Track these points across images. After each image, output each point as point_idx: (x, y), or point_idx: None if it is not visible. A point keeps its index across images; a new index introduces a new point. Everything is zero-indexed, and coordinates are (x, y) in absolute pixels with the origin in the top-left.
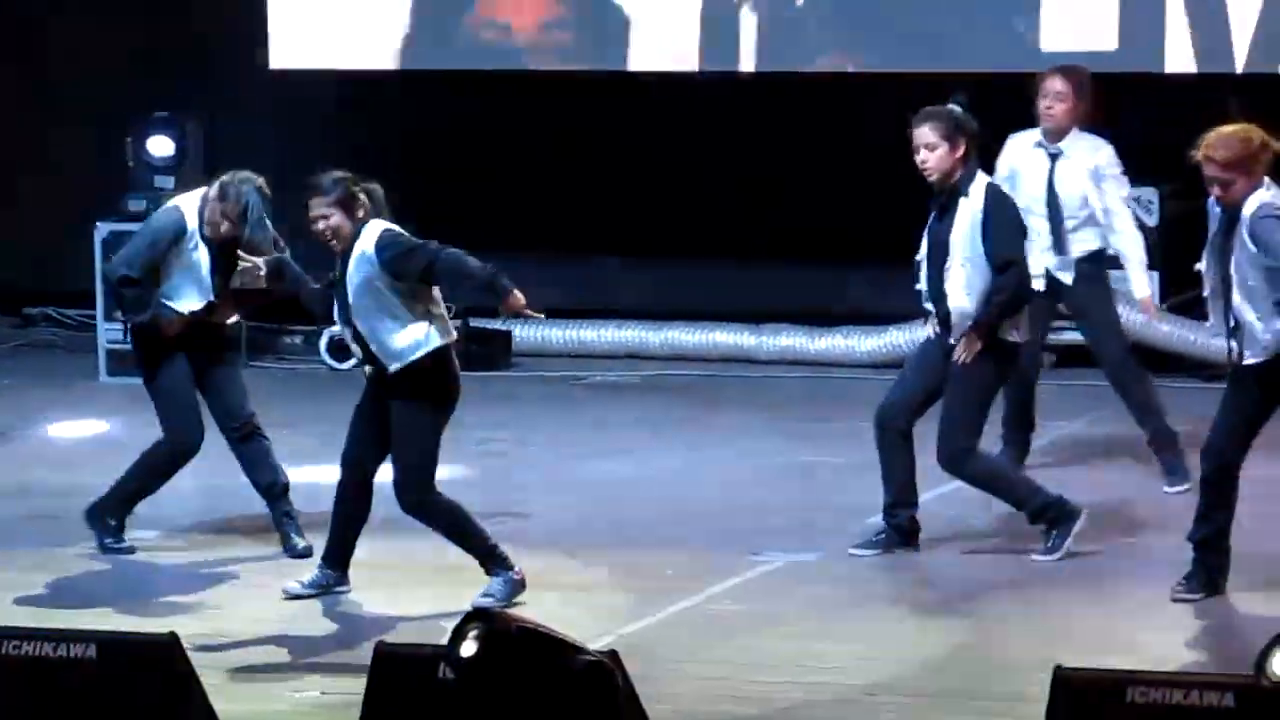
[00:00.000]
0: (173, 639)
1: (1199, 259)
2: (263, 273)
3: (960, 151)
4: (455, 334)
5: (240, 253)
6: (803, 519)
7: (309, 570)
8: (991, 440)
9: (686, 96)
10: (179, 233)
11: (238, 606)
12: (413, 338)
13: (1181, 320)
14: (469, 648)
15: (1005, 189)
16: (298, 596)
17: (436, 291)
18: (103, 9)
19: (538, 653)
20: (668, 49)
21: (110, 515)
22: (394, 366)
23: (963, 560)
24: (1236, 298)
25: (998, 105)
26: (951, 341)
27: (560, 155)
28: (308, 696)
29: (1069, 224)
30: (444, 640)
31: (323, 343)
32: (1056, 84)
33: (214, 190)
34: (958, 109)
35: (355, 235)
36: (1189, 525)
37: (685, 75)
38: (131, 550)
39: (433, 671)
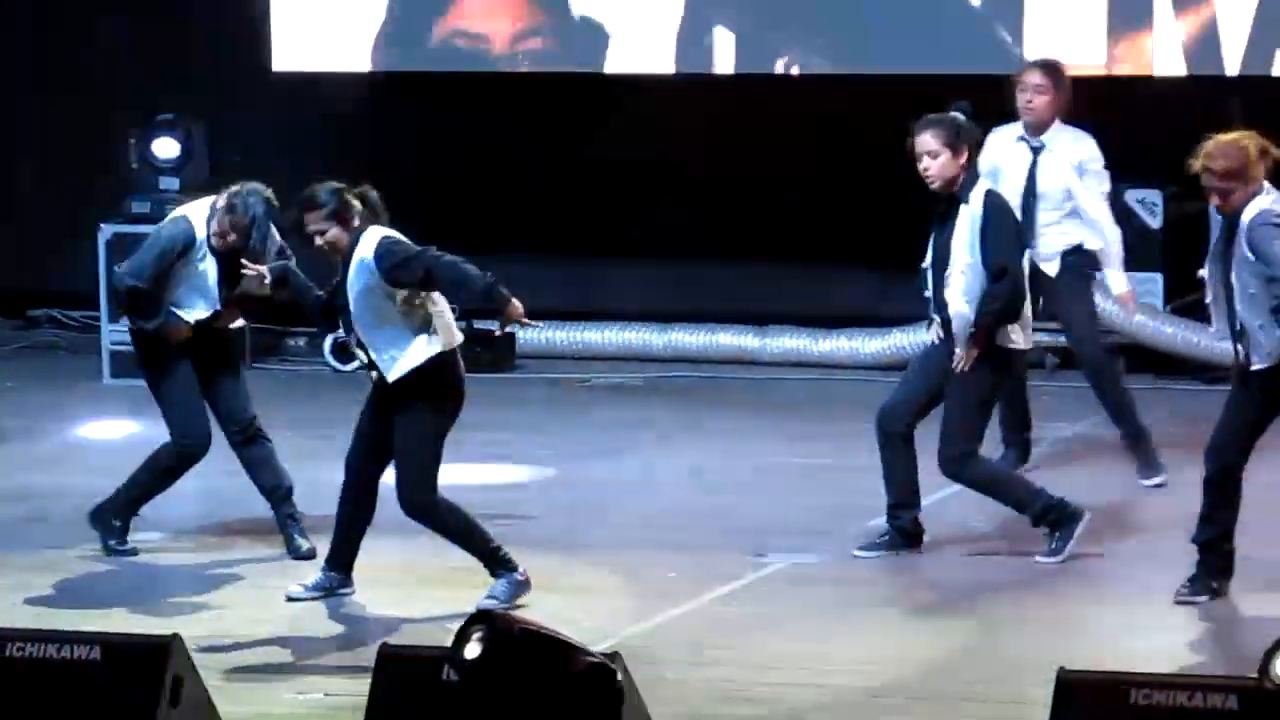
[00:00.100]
0: (176, 641)
1: (1203, 261)
2: (268, 281)
3: (963, 158)
4: (460, 335)
5: (245, 261)
6: (806, 521)
7: (312, 573)
8: (992, 444)
9: (692, 98)
10: (188, 243)
11: (241, 608)
12: (414, 345)
13: (1184, 322)
14: (472, 650)
15: (999, 191)
16: (301, 599)
17: (438, 294)
18: (105, 11)
19: (541, 655)
20: (643, 53)
21: (115, 517)
22: (396, 374)
23: (966, 562)
24: (1239, 305)
25: (984, 108)
26: (945, 348)
27: (564, 157)
28: (311, 698)
29: (1053, 216)
30: (447, 642)
31: (326, 345)
32: (1035, 77)
33: (222, 201)
34: (960, 116)
35: (353, 243)
36: (1192, 527)
37: (690, 77)
38: (135, 552)
39: (436, 673)
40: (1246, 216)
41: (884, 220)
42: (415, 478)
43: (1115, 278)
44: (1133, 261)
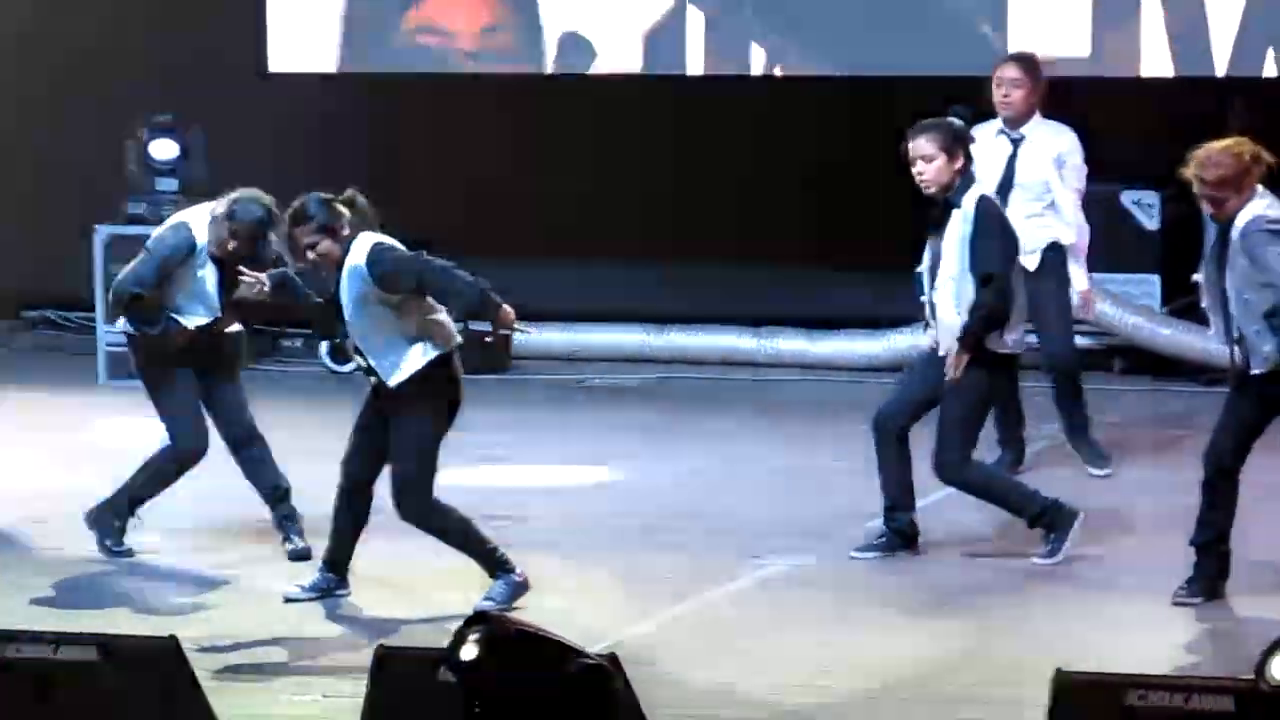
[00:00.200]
0: (173, 642)
1: (1199, 263)
2: (266, 288)
3: (958, 163)
4: (458, 337)
5: (243, 268)
6: (803, 522)
7: (309, 574)
8: (987, 445)
9: (690, 98)
10: (189, 250)
11: (238, 609)
12: (410, 351)
13: (1181, 324)
14: (470, 651)
15: (999, 204)
16: (298, 600)
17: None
18: (102, 13)
19: (538, 656)
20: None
21: (114, 518)
22: (393, 381)
23: (963, 563)
24: (1235, 310)
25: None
26: (940, 354)
27: (563, 159)
28: (308, 699)
29: (1033, 208)
30: (445, 643)
31: (322, 346)
32: (1010, 71)
33: (221, 209)
34: (957, 120)
35: (345, 252)
36: (1189, 529)
37: (694, 78)
38: (132, 553)
39: (433, 675)
40: (1240, 223)
41: (882, 222)
42: (411, 482)
43: (1077, 273)
44: (1130, 263)
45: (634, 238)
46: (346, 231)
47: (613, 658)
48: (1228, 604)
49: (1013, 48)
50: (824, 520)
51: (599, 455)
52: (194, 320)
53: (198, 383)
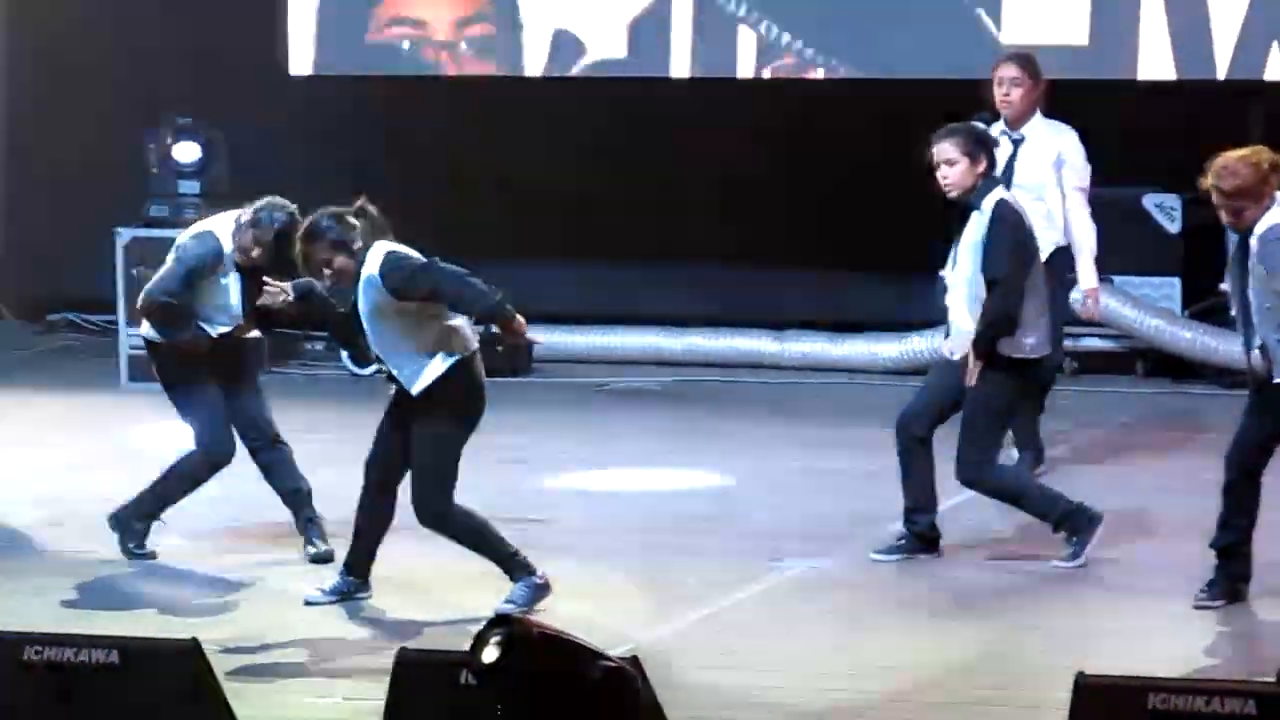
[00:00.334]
0: (194, 644)
1: (1220, 265)
2: (291, 297)
3: (980, 167)
4: (476, 340)
5: (267, 278)
6: (823, 525)
7: (330, 576)
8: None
9: (713, 102)
10: (216, 259)
11: (259, 612)
12: (430, 360)
13: (1203, 327)
14: (491, 654)
15: (1018, 207)
16: (319, 603)
17: None
18: (123, 15)
19: (559, 659)
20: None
21: (137, 521)
22: (415, 389)
23: (983, 566)
24: (1256, 318)
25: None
26: (954, 358)
27: (584, 161)
28: (329, 702)
29: (1036, 208)
30: (466, 646)
31: (344, 352)
32: (1010, 70)
33: (246, 216)
34: (980, 125)
35: (360, 263)
36: (1211, 532)
37: (710, 80)
38: (154, 556)
39: (454, 677)
40: (1258, 231)
41: (902, 225)
42: (431, 488)
43: (1085, 272)
44: (1151, 266)
45: (655, 240)
46: (359, 244)
47: (634, 660)
48: (1249, 607)
49: (997, 48)
50: (844, 523)
51: (619, 458)
52: (217, 329)
53: (218, 387)
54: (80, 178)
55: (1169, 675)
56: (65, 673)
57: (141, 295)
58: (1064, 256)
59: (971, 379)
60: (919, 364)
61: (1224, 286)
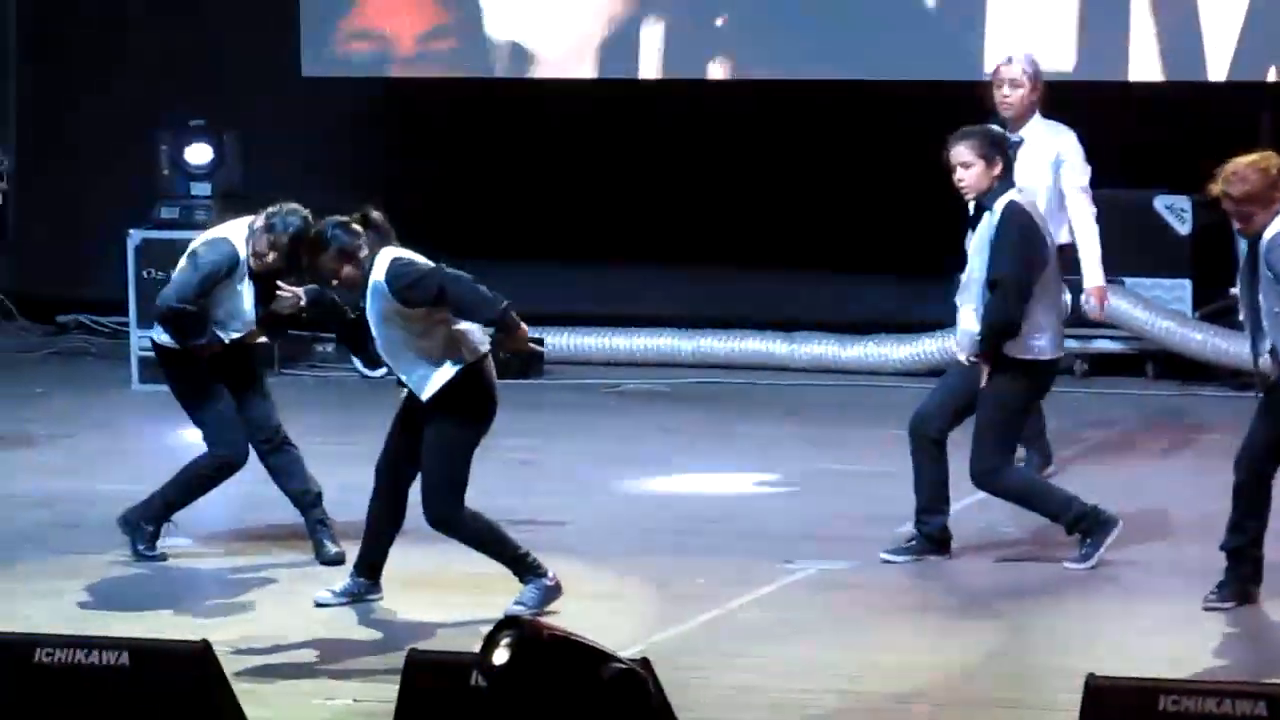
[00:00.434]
0: (205, 646)
1: (1231, 267)
2: (303, 303)
3: (996, 170)
4: (487, 343)
5: (280, 283)
6: (834, 527)
7: (341, 578)
8: None
9: (719, 102)
10: (232, 266)
11: (270, 613)
12: (440, 365)
13: (1213, 328)
14: (501, 655)
15: (1029, 209)
16: (329, 605)
17: None
18: (135, 16)
19: (570, 661)
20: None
21: (148, 523)
22: (426, 394)
23: (994, 568)
24: (1266, 323)
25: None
26: (959, 358)
27: (596, 162)
28: (340, 704)
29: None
30: (476, 648)
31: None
32: (1009, 71)
33: (260, 222)
34: (996, 128)
35: (367, 271)
36: (1222, 534)
37: (722, 82)
38: (164, 558)
39: (465, 679)
40: (1268, 236)
41: (914, 227)
42: (442, 491)
43: (1090, 270)
44: (1162, 267)
45: (666, 242)
46: (365, 252)
47: (645, 662)
48: (1260, 609)
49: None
50: (855, 525)
51: (630, 460)
52: (230, 334)
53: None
54: (92, 179)
55: (1180, 677)
56: (76, 675)
57: (157, 302)
58: (1061, 256)
59: (984, 381)
60: (930, 366)
61: (1234, 291)
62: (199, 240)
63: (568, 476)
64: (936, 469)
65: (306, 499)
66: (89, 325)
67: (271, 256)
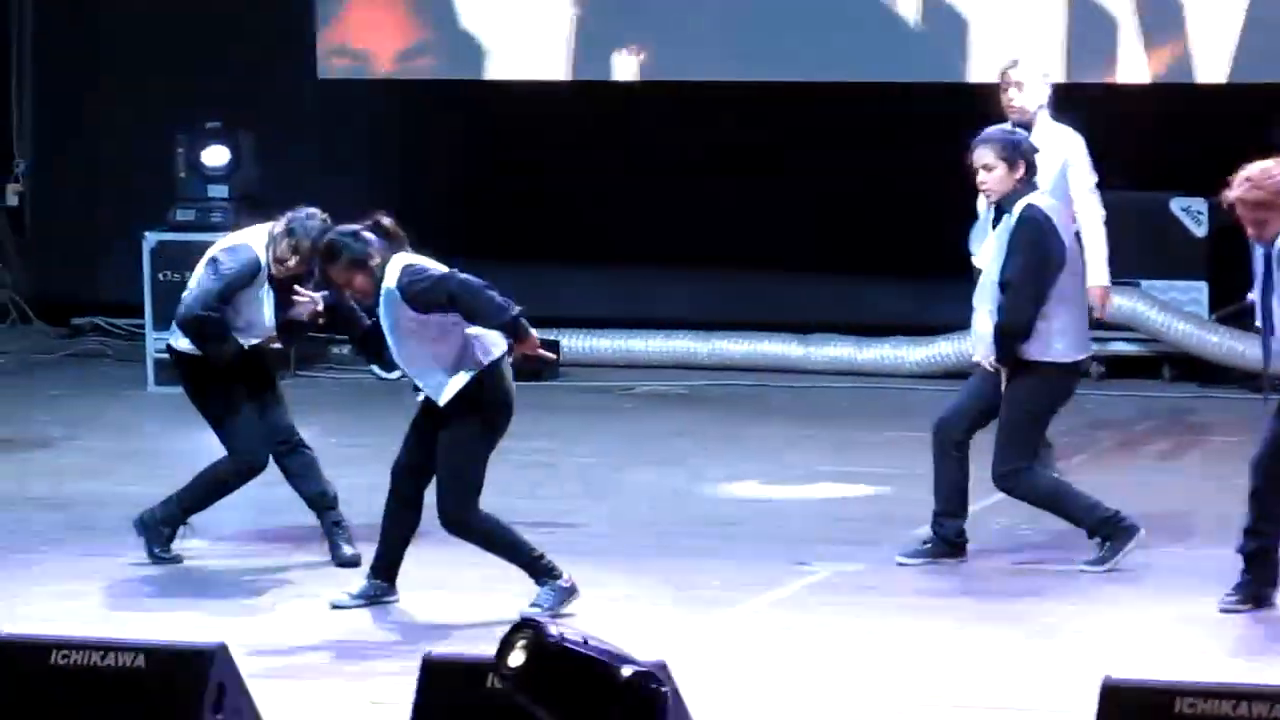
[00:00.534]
0: (221, 648)
1: (1247, 269)
2: (320, 308)
3: (1018, 172)
4: (504, 346)
5: (298, 288)
6: (849, 529)
7: (357, 580)
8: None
9: (729, 104)
10: (254, 272)
11: (286, 616)
12: (456, 372)
13: (1230, 331)
14: (517, 658)
15: (1048, 211)
16: (345, 607)
17: None
18: (151, 18)
19: (586, 663)
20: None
21: (165, 525)
22: (442, 400)
23: (1011, 570)
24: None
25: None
26: (973, 359)
27: (610, 165)
28: (356, 705)
29: None
30: (492, 650)
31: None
32: (1015, 74)
33: (280, 227)
34: (1019, 131)
35: (380, 278)
36: (1238, 537)
37: (734, 84)
38: (179, 560)
39: (481, 681)
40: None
41: (928, 229)
42: (457, 495)
43: (1095, 270)
44: (1178, 269)
45: (682, 244)
46: (377, 260)
47: (661, 665)
48: (1276, 612)
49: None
50: (871, 527)
51: (646, 462)
52: (249, 340)
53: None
54: (107, 181)
55: (1195, 679)
56: (92, 676)
57: (181, 310)
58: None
59: (1004, 385)
60: (946, 368)
61: (1252, 296)
62: (218, 246)
63: (583, 478)
64: (958, 472)
65: (322, 501)
66: (105, 328)
67: (294, 261)
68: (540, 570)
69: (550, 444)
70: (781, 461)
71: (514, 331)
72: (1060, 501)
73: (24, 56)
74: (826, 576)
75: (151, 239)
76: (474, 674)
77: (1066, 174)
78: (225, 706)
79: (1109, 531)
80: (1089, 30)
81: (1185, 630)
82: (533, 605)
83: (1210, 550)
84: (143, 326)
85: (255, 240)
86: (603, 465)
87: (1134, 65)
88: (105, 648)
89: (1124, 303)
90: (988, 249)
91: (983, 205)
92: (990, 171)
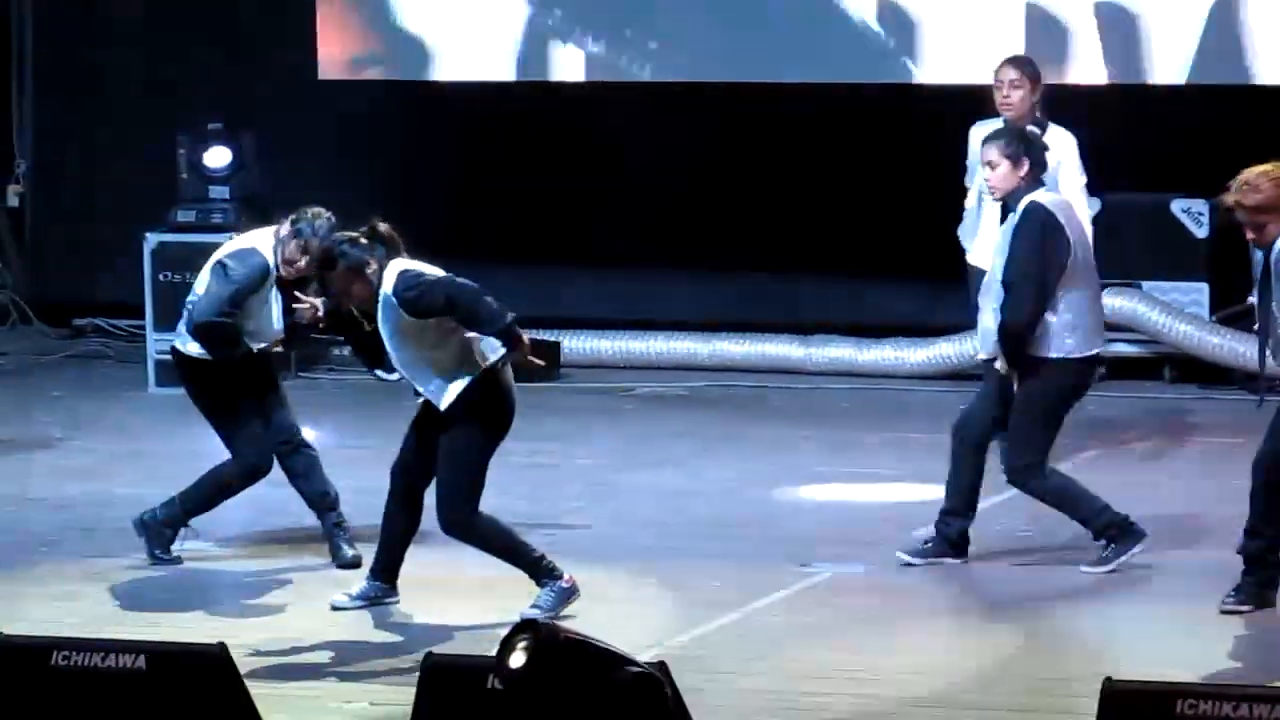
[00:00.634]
0: (222, 649)
1: (1248, 270)
2: (321, 312)
3: (1023, 170)
4: (502, 349)
5: (298, 293)
6: (850, 531)
7: (358, 581)
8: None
9: (734, 105)
10: (264, 276)
11: (287, 617)
12: (455, 377)
13: (1230, 332)
14: (517, 659)
15: (1051, 207)
16: (346, 608)
17: None
18: (153, 19)
19: (586, 664)
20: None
21: (166, 526)
22: (443, 404)
23: (1012, 571)
24: (1278, 333)
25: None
26: (978, 357)
27: (610, 167)
28: (356, 707)
29: None
30: (493, 651)
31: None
32: (1010, 72)
33: (286, 229)
34: (1030, 128)
35: (377, 285)
36: (1238, 537)
37: (739, 85)
38: (180, 561)
39: (481, 682)
40: (1278, 247)
41: (930, 229)
42: (457, 496)
43: None
44: (1179, 271)
45: (683, 246)
46: (374, 266)
47: (662, 666)
48: (1277, 613)
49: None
50: (872, 529)
51: (647, 463)
52: (256, 345)
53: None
54: (108, 182)
55: (1196, 681)
56: (93, 678)
57: (194, 317)
58: None
59: (1014, 384)
60: (947, 369)
61: (1252, 299)
62: (223, 251)
63: (584, 480)
64: (972, 473)
65: (324, 502)
66: (106, 329)
67: (304, 261)
68: (541, 571)
69: (551, 445)
70: (782, 463)
71: (507, 337)
72: (1070, 501)
73: (25, 57)
74: (827, 578)
75: (152, 240)
76: (474, 675)
77: (1058, 172)
78: (225, 708)
79: (1115, 534)
80: (1102, 31)
81: (1186, 631)
82: (533, 606)
83: (1211, 551)
84: (143, 327)
85: (262, 243)
86: (603, 466)
87: (1136, 66)
88: (106, 649)
89: (1125, 304)
90: (982, 246)
91: (971, 201)
92: (994, 168)
